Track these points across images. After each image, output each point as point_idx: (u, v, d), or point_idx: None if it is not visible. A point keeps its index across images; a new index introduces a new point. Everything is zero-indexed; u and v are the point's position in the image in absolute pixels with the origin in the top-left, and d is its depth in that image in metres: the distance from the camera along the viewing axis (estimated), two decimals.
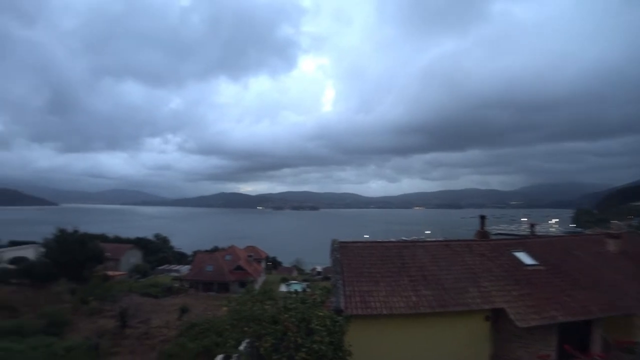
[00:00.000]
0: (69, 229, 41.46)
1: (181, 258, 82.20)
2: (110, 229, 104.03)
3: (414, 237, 79.30)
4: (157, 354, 13.73)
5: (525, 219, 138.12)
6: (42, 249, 42.20)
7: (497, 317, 10.93)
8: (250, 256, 63.82)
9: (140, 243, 76.77)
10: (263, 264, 67.98)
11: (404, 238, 79.49)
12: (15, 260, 46.04)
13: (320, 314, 7.72)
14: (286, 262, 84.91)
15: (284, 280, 53.81)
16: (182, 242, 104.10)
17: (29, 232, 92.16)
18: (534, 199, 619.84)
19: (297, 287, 36.13)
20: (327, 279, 53.18)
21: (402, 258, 12.75)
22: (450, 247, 13.59)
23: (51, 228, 42.17)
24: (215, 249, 79.23)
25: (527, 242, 14.58)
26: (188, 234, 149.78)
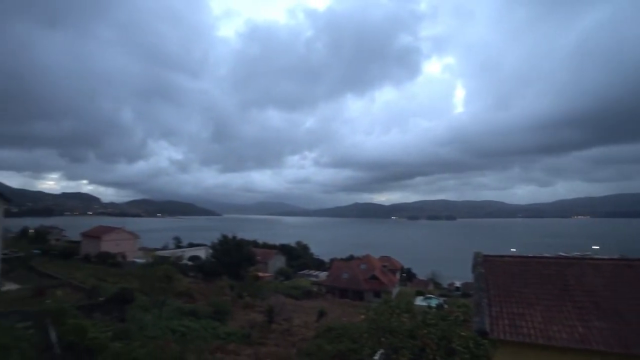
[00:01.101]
0: (229, 235, 49.06)
1: (319, 264, 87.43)
2: (260, 236, 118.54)
3: (577, 254, 66.00)
4: (297, 350, 14.72)
5: None
6: (210, 250, 51.33)
7: None
8: (384, 266, 63.50)
9: (284, 249, 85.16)
10: (398, 275, 66.74)
11: (562, 254, 67.03)
12: (192, 258, 56.91)
13: (463, 333, 7.08)
14: (421, 274, 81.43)
15: (420, 293, 51.58)
16: (320, 249, 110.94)
17: (201, 236, 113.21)
18: None
19: (434, 301, 34.10)
20: (466, 295, 48.77)
21: (565, 278, 10.46)
22: (634, 268, 10.54)
23: (216, 234, 50.83)
24: (351, 258, 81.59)
25: None
26: (325, 242, 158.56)
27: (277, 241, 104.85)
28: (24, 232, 73.17)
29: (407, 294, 51.77)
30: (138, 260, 49.09)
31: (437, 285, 72.27)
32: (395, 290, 55.56)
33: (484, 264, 11.49)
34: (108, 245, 51.60)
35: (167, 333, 14.67)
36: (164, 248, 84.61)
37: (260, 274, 50.25)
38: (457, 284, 66.20)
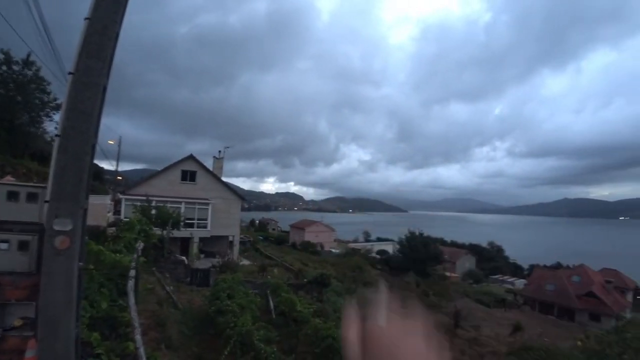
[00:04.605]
0: (416, 231, 49.83)
1: (515, 270, 77.63)
2: (447, 234, 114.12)
3: None
4: None
5: None
6: (397, 246, 53.46)
7: None
8: (609, 282, 50.83)
9: (474, 249, 79.43)
10: (630, 297, 52.28)
11: None
12: (379, 252, 60.62)
13: None
14: None
15: None
16: (516, 253, 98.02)
17: (388, 231, 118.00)
18: None
19: None
20: None
21: None
22: None
23: (403, 230, 52.47)
24: (558, 266, 69.30)
25: None
26: (523, 245, 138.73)
27: (466, 240, 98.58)
28: (251, 222, 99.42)
29: None
30: (333, 250, 56.01)
31: None
32: (626, 317, 43.85)
33: None
34: (310, 235, 60.87)
35: None
36: (355, 241, 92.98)
37: (447, 274, 48.96)
38: None
